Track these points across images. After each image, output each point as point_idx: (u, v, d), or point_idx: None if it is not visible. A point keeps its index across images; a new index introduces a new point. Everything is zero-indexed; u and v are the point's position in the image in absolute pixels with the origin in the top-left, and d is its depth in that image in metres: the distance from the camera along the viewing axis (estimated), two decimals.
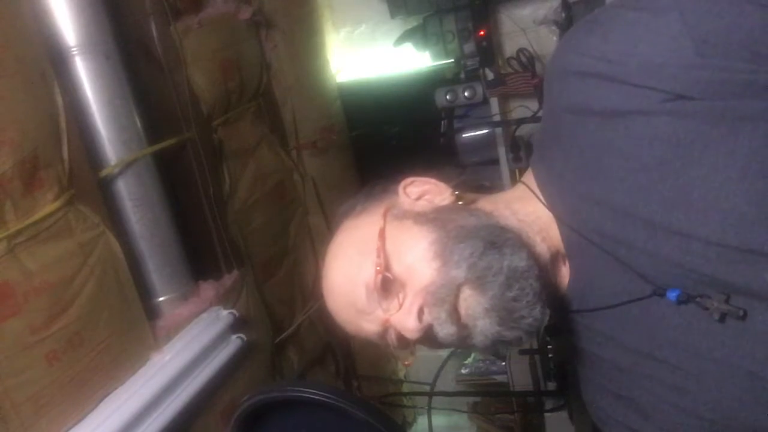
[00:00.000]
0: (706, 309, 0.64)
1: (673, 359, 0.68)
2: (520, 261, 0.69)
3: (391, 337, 0.74)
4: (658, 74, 0.62)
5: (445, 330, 0.70)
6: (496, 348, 0.73)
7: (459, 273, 0.69)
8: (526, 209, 0.76)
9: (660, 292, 0.66)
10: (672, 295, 0.65)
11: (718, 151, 0.61)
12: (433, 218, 0.75)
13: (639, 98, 0.63)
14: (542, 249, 0.75)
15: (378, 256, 0.71)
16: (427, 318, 0.70)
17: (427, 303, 0.70)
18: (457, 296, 0.69)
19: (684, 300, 0.65)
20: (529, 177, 0.80)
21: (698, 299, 0.64)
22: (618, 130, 0.65)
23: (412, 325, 0.70)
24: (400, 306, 0.71)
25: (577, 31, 0.71)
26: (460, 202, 0.78)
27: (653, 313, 0.68)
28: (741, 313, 0.62)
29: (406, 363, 0.79)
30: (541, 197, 0.76)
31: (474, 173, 2.42)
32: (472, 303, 0.69)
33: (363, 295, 0.72)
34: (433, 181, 0.80)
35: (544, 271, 0.73)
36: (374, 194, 0.81)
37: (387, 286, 0.71)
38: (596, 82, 0.66)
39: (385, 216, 0.76)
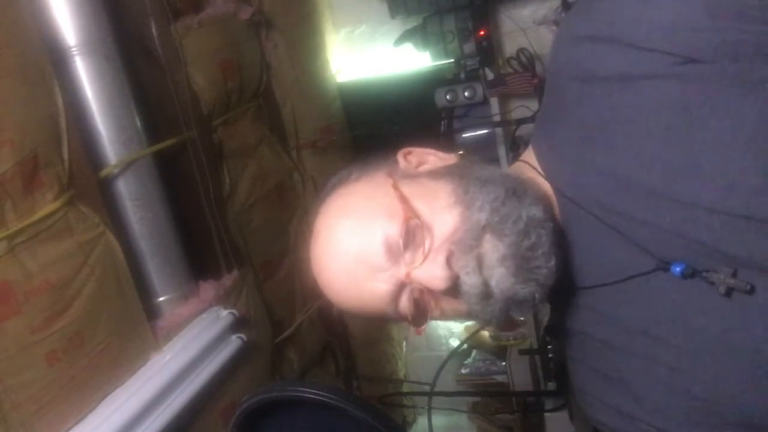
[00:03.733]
0: (712, 283, 0.61)
1: (669, 336, 0.66)
2: (537, 211, 0.68)
3: (408, 298, 0.69)
4: (669, 37, 0.61)
5: (471, 279, 0.66)
6: (509, 314, 0.69)
7: (482, 215, 0.66)
8: (528, 175, 0.75)
9: (664, 267, 0.64)
10: (677, 269, 0.63)
11: (727, 115, 0.59)
12: (447, 173, 0.72)
13: (648, 62, 0.62)
14: (552, 210, 0.73)
15: (402, 203, 0.67)
16: (455, 267, 0.66)
17: (454, 252, 0.66)
18: (481, 244, 0.67)
19: (689, 274, 0.62)
20: (528, 154, 0.78)
21: (704, 273, 0.62)
22: (625, 96, 0.64)
23: (440, 272, 0.65)
24: (425, 257, 0.67)
25: None
26: (465, 161, 0.76)
27: (651, 287, 0.66)
28: (748, 287, 0.60)
29: (418, 330, 0.73)
30: (541, 171, 0.74)
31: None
32: (489, 249, 0.66)
33: (380, 250, 0.67)
34: (431, 150, 0.78)
35: (557, 229, 0.70)
36: (370, 164, 0.77)
37: (413, 233, 0.67)
38: (605, 47, 0.64)
39: (391, 176, 0.72)
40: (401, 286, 0.69)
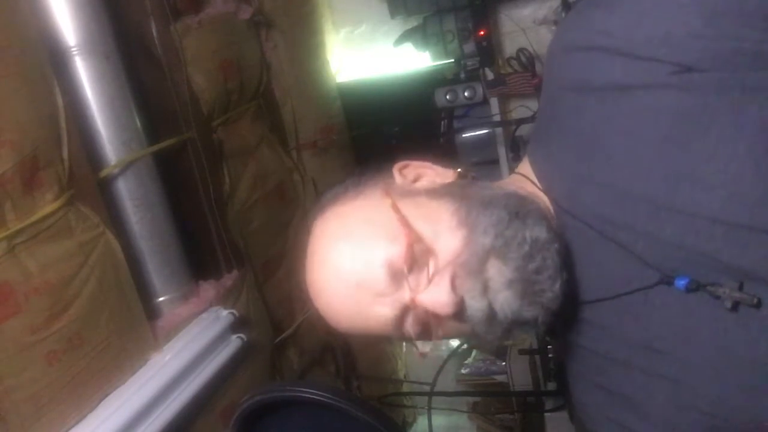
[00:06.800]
0: (717, 297, 0.60)
1: (672, 350, 0.65)
2: (541, 232, 0.66)
3: (412, 322, 0.68)
4: (665, 46, 0.60)
5: (477, 303, 0.65)
6: (512, 335, 0.68)
7: (487, 239, 0.65)
8: (528, 190, 0.74)
9: (668, 280, 0.62)
10: (681, 282, 0.61)
11: (726, 124, 0.58)
12: (447, 192, 0.70)
13: (644, 72, 0.61)
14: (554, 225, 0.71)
15: (405, 226, 0.65)
16: (459, 290, 0.65)
17: (458, 275, 0.65)
18: (486, 268, 0.65)
19: (693, 288, 0.61)
20: (524, 166, 0.76)
21: (709, 287, 0.61)
22: (621, 106, 0.63)
23: (446, 297, 0.64)
24: (430, 280, 0.65)
25: (581, 7, 0.68)
26: (464, 180, 0.74)
27: (653, 301, 0.65)
28: (755, 300, 0.59)
29: (422, 352, 0.72)
30: (538, 183, 0.73)
31: (474, 173, 2.42)
32: (494, 274, 0.65)
33: (383, 275, 0.65)
34: (427, 164, 0.76)
35: (563, 249, 0.68)
36: (363, 181, 0.74)
37: (416, 258, 0.65)
38: (600, 56, 0.63)
39: (389, 195, 0.70)
40: (406, 310, 0.67)
